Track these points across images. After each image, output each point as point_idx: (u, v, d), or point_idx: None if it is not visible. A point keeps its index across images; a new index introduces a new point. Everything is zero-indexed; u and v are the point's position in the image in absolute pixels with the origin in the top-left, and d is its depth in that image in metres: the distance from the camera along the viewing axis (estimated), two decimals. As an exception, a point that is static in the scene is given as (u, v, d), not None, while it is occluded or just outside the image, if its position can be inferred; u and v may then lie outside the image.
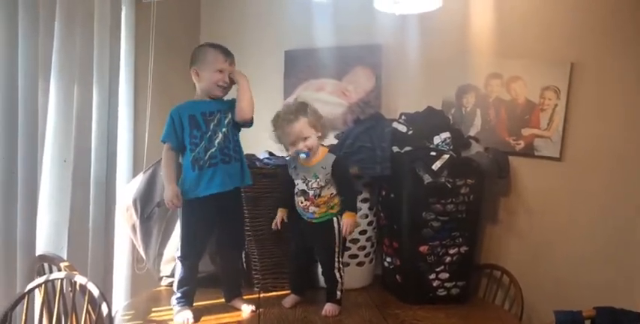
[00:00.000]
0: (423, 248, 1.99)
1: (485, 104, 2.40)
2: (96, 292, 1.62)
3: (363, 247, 2.18)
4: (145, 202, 2.12)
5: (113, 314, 1.76)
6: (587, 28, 2.22)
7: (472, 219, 2.03)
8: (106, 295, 1.76)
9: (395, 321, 1.82)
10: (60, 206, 1.95)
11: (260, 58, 2.67)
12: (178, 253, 1.86)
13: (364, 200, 2.15)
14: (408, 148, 2.10)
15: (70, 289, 1.75)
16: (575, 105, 2.24)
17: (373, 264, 2.26)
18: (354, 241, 2.15)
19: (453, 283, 2.02)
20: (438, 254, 2.00)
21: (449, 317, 1.86)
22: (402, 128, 2.20)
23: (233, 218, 1.89)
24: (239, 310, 1.89)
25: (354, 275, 2.12)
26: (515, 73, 2.33)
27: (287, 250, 2.08)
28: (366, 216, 2.17)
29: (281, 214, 1.95)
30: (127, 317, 1.81)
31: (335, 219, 1.87)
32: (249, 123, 1.86)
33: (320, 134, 1.85)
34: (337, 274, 1.88)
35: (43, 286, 1.69)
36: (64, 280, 1.71)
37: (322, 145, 1.95)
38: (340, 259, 1.89)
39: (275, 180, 2.05)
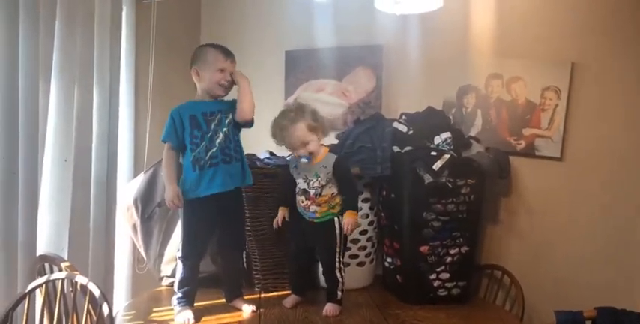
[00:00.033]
0: (424, 248, 1.99)
1: (486, 104, 2.40)
2: (97, 292, 1.62)
3: (364, 247, 2.19)
4: (146, 202, 2.12)
5: (114, 314, 1.76)
6: (588, 28, 2.22)
7: (473, 219, 2.03)
8: (107, 295, 1.76)
9: (396, 321, 1.82)
10: (61, 206, 1.95)
11: (260, 59, 2.67)
12: (179, 253, 1.86)
13: (365, 200, 2.15)
14: (408, 148, 2.10)
15: (70, 289, 1.75)
16: (575, 105, 2.24)
17: (374, 264, 2.26)
18: (355, 241, 2.15)
19: (454, 283, 2.02)
20: (438, 254, 2.00)
21: (449, 317, 1.87)
22: (403, 128, 2.20)
23: (234, 218, 1.89)
24: (240, 310, 1.89)
25: (354, 275, 2.12)
26: (516, 73, 2.33)
27: (287, 250, 2.08)
28: (367, 216, 2.17)
29: (282, 212, 1.95)
30: (127, 317, 1.81)
31: (336, 219, 1.87)
32: (249, 123, 1.86)
33: (320, 136, 1.85)
34: (338, 274, 1.88)
35: (44, 286, 1.70)
36: (65, 280, 1.71)
37: (323, 144, 1.96)
38: (341, 259, 1.89)
39: (276, 180, 2.05)
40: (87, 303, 1.63)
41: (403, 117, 2.31)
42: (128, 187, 2.19)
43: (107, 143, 2.18)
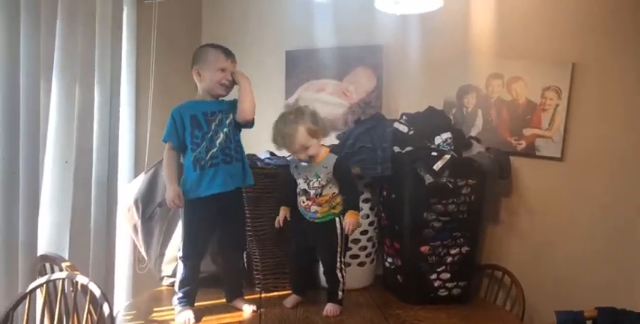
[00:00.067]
0: (425, 248, 1.99)
1: (487, 104, 2.40)
2: (97, 292, 1.62)
3: (365, 248, 2.18)
4: (147, 202, 2.13)
5: (114, 314, 1.76)
6: (589, 28, 2.22)
7: (473, 219, 2.03)
8: (108, 295, 1.76)
9: (396, 321, 1.82)
10: (61, 206, 1.95)
11: (261, 59, 2.67)
12: (180, 253, 1.86)
13: (365, 200, 2.15)
14: (409, 149, 2.10)
15: (71, 289, 1.75)
16: (576, 105, 2.24)
17: (374, 264, 2.26)
18: (356, 241, 2.15)
19: (455, 283, 2.02)
20: (439, 254, 2.00)
21: (450, 317, 1.86)
22: (403, 128, 2.20)
23: (234, 218, 1.89)
24: (240, 310, 1.89)
25: (355, 275, 2.12)
26: (516, 73, 2.33)
27: (288, 250, 2.08)
28: (368, 216, 2.17)
29: (283, 212, 1.95)
30: (128, 317, 1.81)
31: (337, 219, 1.87)
32: (250, 124, 1.86)
33: (320, 138, 1.85)
34: (339, 274, 1.88)
35: (44, 286, 1.70)
36: (66, 280, 1.71)
37: (323, 144, 1.96)
38: (342, 260, 1.89)
39: (276, 180, 2.05)
40: (87, 303, 1.64)
41: (404, 117, 2.31)
42: (129, 188, 2.19)
43: (108, 143, 2.19)
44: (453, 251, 2.00)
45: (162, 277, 2.18)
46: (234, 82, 1.84)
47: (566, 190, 2.28)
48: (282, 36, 2.70)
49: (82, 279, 1.66)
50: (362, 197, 2.11)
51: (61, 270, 1.78)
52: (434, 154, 1.99)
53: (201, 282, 1.91)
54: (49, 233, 1.94)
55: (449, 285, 2.02)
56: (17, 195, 1.77)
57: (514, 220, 2.37)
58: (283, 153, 2.09)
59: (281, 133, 1.81)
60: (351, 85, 2.61)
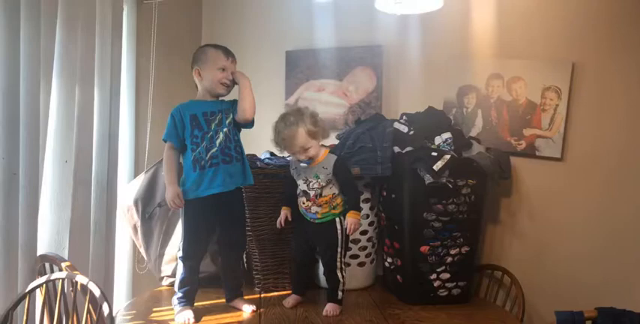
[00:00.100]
0: (424, 248, 1.99)
1: (487, 104, 2.40)
2: (97, 292, 1.62)
3: (364, 248, 2.18)
4: (146, 202, 2.13)
5: (114, 314, 1.76)
6: (588, 29, 2.22)
7: (473, 219, 2.03)
8: (107, 295, 1.76)
9: (396, 321, 1.82)
10: (61, 206, 1.95)
11: (261, 59, 2.67)
12: (180, 253, 1.86)
13: (365, 200, 2.15)
14: (409, 149, 2.10)
15: (71, 289, 1.75)
16: (576, 105, 2.24)
17: (374, 264, 2.26)
18: (355, 241, 2.15)
19: (454, 283, 2.02)
20: (439, 254, 2.00)
21: (450, 318, 1.86)
22: (403, 128, 2.20)
23: (234, 218, 1.89)
24: (240, 310, 1.89)
25: (355, 275, 2.12)
26: (517, 73, 2.33)
27: (288, 250, 2.09)
28: (367, 216, 2.17)
29: (285, 212, 1.96)
30: (128, 317, 1.82)
31: (338, 219, 1.87)
32: (250, 124, 1.86)
33: (320, 139, 1.85)
34: (339, 274, 1.88)
35: (44, 286, 1.70)
36: (65, 280, 1.71)
37: (323, 145, 1.96)
38: (342, 260, 1.90)
39: (276, 180, 2.05)
40: (87, 303, 1.63)
41: (404, 117, 2.31)
42: (128, 188, 2.19)
43: (108, 143, 2.18)
44: (452, 251, 2.00)
45: (162, 277, 2.18)
46: (234, 82, 1.84)
47: (566, 190, 2.27)
48: (282, 36, 2.70)
49: (81, 279, 1.66)
50: (362, 197, 2.10)
51: (60, 270, 1.78)
52: (434, 154, 1.99)
53: (200, 282, 1.91)
54: (49, 233, 1.94)
55: (449, 285, 2.02)
56: (17, 195, 1.77)
57: (514, 220, 2.37)
58: (283, 153, 2.09)
59: (281, 135, 1.82)
60: (351, 85, 2.61)
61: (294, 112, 1.86)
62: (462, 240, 2.00)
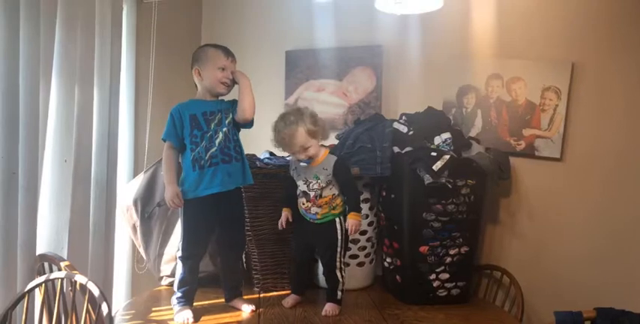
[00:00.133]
0: (424, 249, 1.99)
1: (486, 105, 2.40)
2: (96, 292, 1.61)
3: (364, 248, 2.18)
4: (146, 201, 2.12)
5: (113, 314, 1.76)
6: (588, 29, 2.22)
7: (472, 219, 2.03)
8: (106, 295, 1.76)
9: (395, 321, 1.82)
10: (60, 206, 1.95)
11: (261, 59, 2.67)
12: (179, 253, 1.86)
13: (365, 201, 2.15)
14: (408, 149, 2.10)
15: (70, 288, 1.75)
16: (575, 105, 2.24)
17: (373, 264, 2.26)
18: (355, 241, 2.15)
19: (453, 283, 2.02)
20: (438, 255, 2.00)
21: (449, 318, 1.87)
22: (403, 129, 2.20)
23: (234, 218, 1.89)
24: (239, 310, 1.89)
25: (354, 275, 2.12)
26: (516, 73, 2.33)
27: (287, 250, 2.09)
28: (367, 216, 2.17)
29: (286, 213, 1.96)
30: (127, 317, 1.82)
31: (337, 220, 1.87)
32: (250, 124, 1.86)
33: (320, 139, 1.85)
34: (339, 274, 1.88)
35: (43, 285, 1.70)
36: (64, 279, 1.70)
37: (323, 145, 1.96)
38: (342, 260, 1.90)
39: (275, 180, 2.05)
40: (86, 302, 1.63)
41: (403, 117, 2.31)
42: (128, 187, 2.19)
43: (107, 142, 2.18)
44: (452, 251, 2.00)
45: (161, 277, 2.18)
46: (234, 82, 1.84)
47: (565, 191, 2.28)
48: (281, 36, 2.70)
49: (80, 278, 1.66)
50: (361, 197, 2.11)
51: (59, 269, 1.77)
52: (433, 154, 1.99)
53: (200, 282, 1.91)
54: (48, 232, 1.94)
55: (448, 285, 2.02)
56: (16, 194, 1.77)
57: (513, 220, 2.38)
58: (283, 153, 2.09)
59: (281, 134, 1.82)
60: (351, 85, 2.61)
61: (294, 112, 1.86)
62: (461, 240, 2.01)
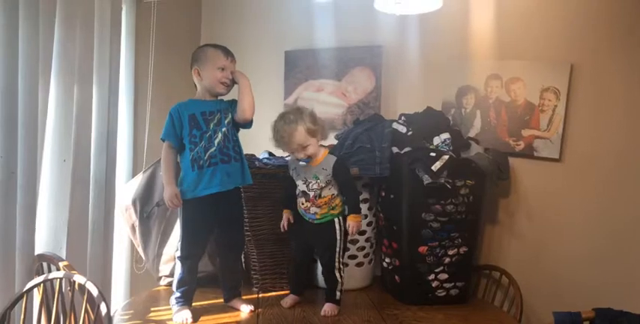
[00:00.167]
0: (422, 249, 1.99)
1: (485, 105, 2.40)
2: (95, 292, 1.61)
3: (363, 248, 2.19)
4: (145, 201, 2.12)
5: (112, 314, 1.76)
6: (587, 30, 2.22)
7: (471, 220, 2.03)
8: (105, 295, 1.76)
9: (394, 321, 1.82)
10: (59, 206, 1.95)
11: (260, 59, 2.67)
12: (178, 253, 1.86)
13: (364, 201, 2.15)
14: (407, 149, 2.10)
15: (68, 288, 1.75)
16: (574, 106, 2.25)
17: (372, 264, 2.26)
18: (354, 241, 2.15)
19: (452, 283, 2.02)
20: (437, 255, 2.00)
21: (448, 318, 1.87)
22: (402, 129, 2.20)
23: (233, 218, 1.89)
24: (238, 310, 1.89)
25: (353, 276, 2.12)
26: (515, 74, 2.33)
27: (286, 250, 2.09)
28: (366, 216, 2.17)
29: (287, 215, 1.96)
30: (125, 317, 1.81)
31: (337, 220, 1.87)
32: (249, 124, 1.86)
33: (319, 138, 1.85)
34: (338, 275, 1.88)
35: (41, 285, 1.70)
36: (63, 279, 1.70)
37: (322, 145, 1.96)
38: (341, 260, 1.89)
39: (274, 180, 2.05)
40: (85, 302, 1.63)
41: (402, 117, 2.31)
42: (126, 187, 2.19)
43: (106, 142, 2.18)
44: (450, 252, 2.00)
45: (160, 277, 2.17)
46: (234, 81, 1.84)
47: (564, 191, 2.28)
48: (281, 36, 2.70)
49: (79, 278, 1.66)
50: (360, 197, 2.11)
51: (58, 269, 1.77)
52: (432, 154, 1.99)
53: (199, 282, 1.91)
54: (47, 232, 1.93)
55: (447, 285, 2.02)
56: (15, 194, 1.77)
57: (512, 220, 2.38)
58: (282, 153, 2.09)
59: (280, 132, 1.82)
60: (350, 86, 2.61)
61: (293, 111, 1.86)
62: (460, 240, 2.01)
